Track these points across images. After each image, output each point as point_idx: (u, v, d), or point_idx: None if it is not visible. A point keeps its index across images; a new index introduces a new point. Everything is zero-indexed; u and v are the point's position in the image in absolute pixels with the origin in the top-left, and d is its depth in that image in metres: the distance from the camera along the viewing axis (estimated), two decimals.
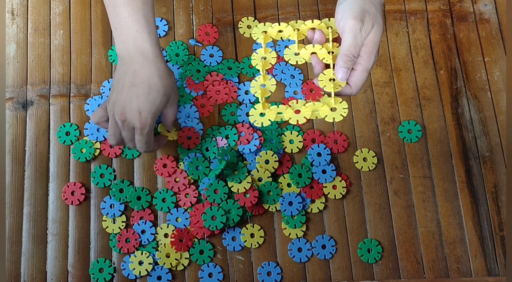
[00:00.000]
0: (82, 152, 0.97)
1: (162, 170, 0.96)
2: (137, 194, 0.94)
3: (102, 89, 1.01)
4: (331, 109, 0.75)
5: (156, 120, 0.88)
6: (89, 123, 0.98)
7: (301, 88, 1.01)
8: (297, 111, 0.75)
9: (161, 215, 0.95)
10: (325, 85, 0.75)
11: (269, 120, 0.75)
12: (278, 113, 0.76)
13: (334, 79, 0.75)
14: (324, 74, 0.76)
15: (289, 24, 0.78)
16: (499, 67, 1.04)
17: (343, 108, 0.75)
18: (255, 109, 0.77)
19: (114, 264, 0.93)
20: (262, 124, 0.76)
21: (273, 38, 0.79)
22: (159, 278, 0.91)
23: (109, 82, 1.01)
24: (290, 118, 0.75)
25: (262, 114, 0.76)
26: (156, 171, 0.96)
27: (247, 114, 0.99)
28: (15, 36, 1.04)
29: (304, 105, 0.75)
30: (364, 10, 0.71)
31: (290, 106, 0.76)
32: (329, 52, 0.76)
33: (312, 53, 0.76)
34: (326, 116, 0.74)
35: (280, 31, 0.78)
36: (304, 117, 0.75)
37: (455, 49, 1.06)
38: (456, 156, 0.99)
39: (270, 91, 0.77)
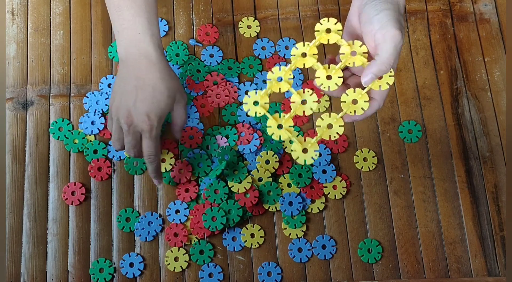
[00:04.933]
0: (74, 143, 0.97)
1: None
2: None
3: (101, 86, 1.01)
4: (303, 150, 0.73)
5: (162, 124, 0.87)
6: (84, 117, 0.99)
7: (301, 88, 1.01)
8: (305, 150, 0.74)
9: (163, 212, 0.95)
10: (348, 107, 0.73)
11: (256, 113, 0.73)
12: (264, 113, 0.73)
13: (356, 101, 0.73)
14: (347, 95, 0.73)
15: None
16: (499, 67, 1.04)
17: (312, 158, 0.73)
18: (252, 95, 0.73)
19: (114, 264, 0.93)
20: (249, 111, 0.73)
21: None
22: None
23: (107, 78, 1.01)
24: (271, 127, 0.73)
25: (256, 103, 0.73)
26: (181, 138, 0.97)
27: (247, 115, 0.99)
28: (15, 36, 1.04)
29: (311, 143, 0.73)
30: (400, 21, 0.71)
31: (279, 117, 0.73)
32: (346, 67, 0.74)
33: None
34: (294, 151, 0.73)
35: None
36: (280, 135, 0.73)
37: (455, 49, 1.06)
38: (456, 156, 0.99)
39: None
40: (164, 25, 1.05)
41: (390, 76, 0.73)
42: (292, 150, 0.73)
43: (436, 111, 1.02)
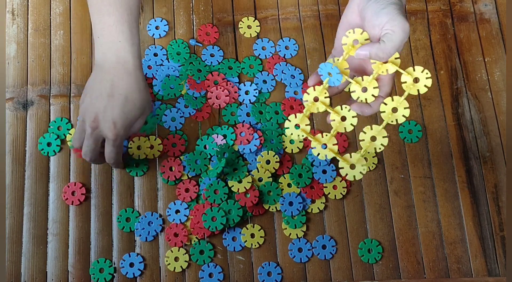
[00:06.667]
0: (48, 146, 0.98)
1: (172, 150, 0.96)
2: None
3: None
4: (350, 166, 0.75)
5: (127, 134, 0.86)
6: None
7: (301, 88, 1.01)
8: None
9: (163, 212, 0.95)
10: (388, 117, 0.74)
11: (298, 135, 0.76)
12: (306, 135, 0.76)
13: (396, 109, 0.74)
14: (386, 105, 0.74)
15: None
16: (500, 67, 1.04)
17: (360, 172, 0.74)
18: (293, 119, 0.76)
19: (114, 264, 0.93)
20: (291, 134, 0.76)
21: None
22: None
23: None
24: (315, 147, 0.75)
25: (297, 127, 0.76)
26: (164, 146, 0.97)
27: (248, 114, 1.00)
28: (15, 36, 1.04)
29: (333, 145, 0.75)
30: (405, 16, 0.73)
31: (321, 137, 0.75)
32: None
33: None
34: (342, 168, 0.75)
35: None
36: (326, 155, 0.75)
37: (455, 49, 1.06)
38: (457, 156, 0.99)
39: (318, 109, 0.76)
40: (164, 25, 1.05)
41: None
42: (340, 168, 0.75)
43: (436, 111, 1.02)
